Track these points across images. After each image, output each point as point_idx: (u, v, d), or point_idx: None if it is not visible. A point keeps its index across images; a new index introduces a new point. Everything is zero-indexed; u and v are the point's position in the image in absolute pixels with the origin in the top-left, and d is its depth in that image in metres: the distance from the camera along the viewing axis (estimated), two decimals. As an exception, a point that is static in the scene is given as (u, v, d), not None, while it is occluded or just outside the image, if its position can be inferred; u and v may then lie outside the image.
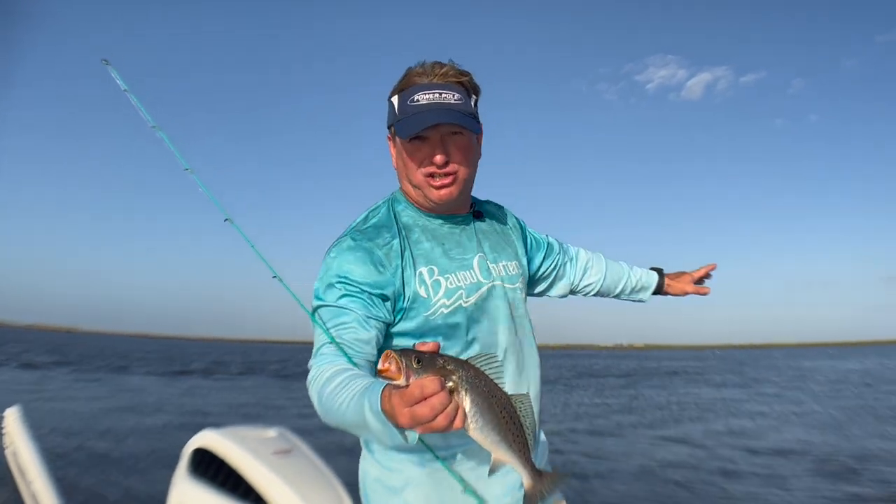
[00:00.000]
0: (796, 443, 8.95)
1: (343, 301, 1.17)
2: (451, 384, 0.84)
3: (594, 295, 1.68)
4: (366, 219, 1.31)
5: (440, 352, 0.89)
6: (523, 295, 1.42)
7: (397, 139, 1.29)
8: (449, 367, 0.86)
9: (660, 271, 1.71)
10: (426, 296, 1.22)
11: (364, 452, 1.35)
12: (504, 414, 0.91)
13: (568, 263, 1.64)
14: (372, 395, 0.93)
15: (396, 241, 1.25)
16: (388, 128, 1.32)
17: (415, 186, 1.30)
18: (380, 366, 0.86)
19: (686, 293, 1.69)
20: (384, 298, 1.19)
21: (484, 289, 1.29)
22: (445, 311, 1.23)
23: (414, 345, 0.91)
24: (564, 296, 1.65)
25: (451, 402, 0.83)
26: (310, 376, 1.13)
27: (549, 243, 1.60)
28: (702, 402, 15.34)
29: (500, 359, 1.10)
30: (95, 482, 5.93)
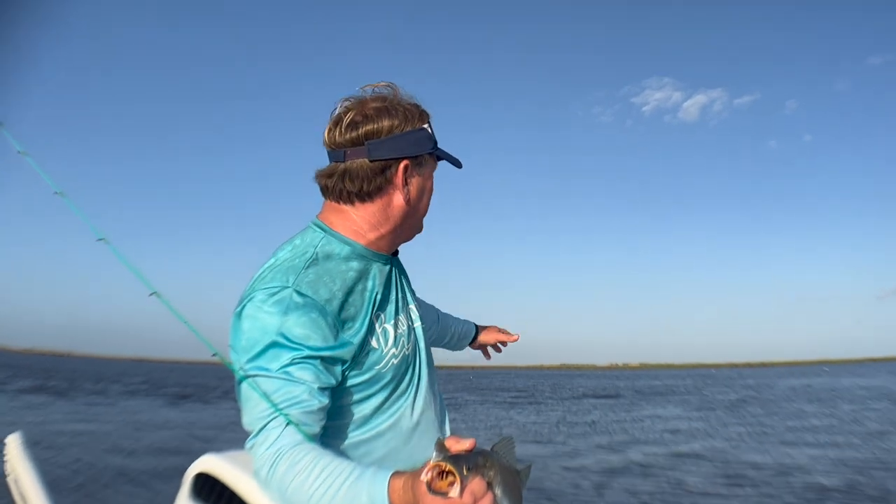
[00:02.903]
0: (688, 452, 10.32)
1: (292, 370, 1.00)
2: (487, 479, 0.83)
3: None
4: (306, 264, 1.10)
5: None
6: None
7: (426, 168, 1.21)
8: (487, 464, 0.85)
9: (475, 326, 1.80)
10: (377, 346, 1.13)
11: None
12: (518, 494, 0.96)
13: None
14: (373, 487, 0.87)
15: (347, 291, 1.11)
16: (414, 157, 1.17)
17: (412, 221, 1.23)
18: (424, 477, 0.79)
19: (497, 340, 1.80)
20: (338, 363, 1.07)
21: (413, 333, 1.25)
22: (395, 362, 1.16)
23: (443, 442, 0.85)
24: None
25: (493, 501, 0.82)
26: (262, 455, 0.98)
27: None
28: (631, 419, 16.49)
29: (514, 440, 1.04)
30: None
